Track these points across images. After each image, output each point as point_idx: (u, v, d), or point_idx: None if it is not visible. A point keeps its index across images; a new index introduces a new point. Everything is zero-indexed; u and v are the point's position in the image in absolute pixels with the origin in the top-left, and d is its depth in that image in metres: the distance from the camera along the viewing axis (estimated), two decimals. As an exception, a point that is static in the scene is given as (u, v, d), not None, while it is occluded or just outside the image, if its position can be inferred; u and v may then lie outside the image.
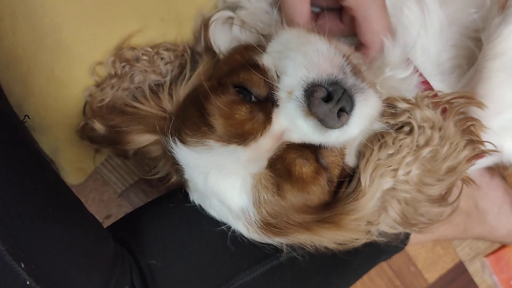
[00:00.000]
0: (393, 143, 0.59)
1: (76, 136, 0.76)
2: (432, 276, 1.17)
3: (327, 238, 0.61)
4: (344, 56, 0.55)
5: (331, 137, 0.54)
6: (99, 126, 0.68)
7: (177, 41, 0.75)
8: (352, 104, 0.52)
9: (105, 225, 0.96)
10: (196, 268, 0.57)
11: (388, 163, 0.58)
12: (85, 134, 0.71)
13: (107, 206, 0.98)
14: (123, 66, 0.70)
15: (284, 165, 0.55)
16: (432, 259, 1.17)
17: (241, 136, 0.55)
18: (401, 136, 0.59)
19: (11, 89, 0.73)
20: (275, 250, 0.61)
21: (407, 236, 0.83)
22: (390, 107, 0.61)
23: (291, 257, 0.62)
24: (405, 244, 0.85)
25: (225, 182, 0.56)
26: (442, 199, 0.62)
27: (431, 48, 0.68)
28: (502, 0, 0.63)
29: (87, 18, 0.70)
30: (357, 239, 0.62)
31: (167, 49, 0.72)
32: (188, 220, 0.62)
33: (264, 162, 0.56)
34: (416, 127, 0.59)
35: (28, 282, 0.46)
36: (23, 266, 0.45)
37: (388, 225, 0.65)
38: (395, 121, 0.60)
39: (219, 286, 0.57)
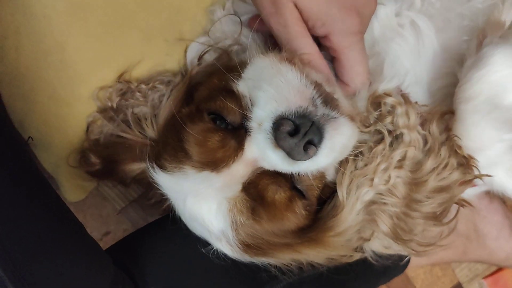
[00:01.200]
0: (368, 152, 0.59)
1: (76, 152, 0.76)
2: (430, 297, 1.17)
3: (311, 256, 0.61)
4: (316, 86, 0.55)
5: (300, 168, 0.55)
6: (95, 160, 0.70)
7: (180, 62, 0.76)
8: (320, 136, 0.52)
9: (104, 242, 0.97)
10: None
11: (363, 173, 0.58)
12: (83, 167, 0.74)
13: (106, 223, 0.98)
14: (119, 100, 0.72)
15: (257, 190, 0.56)
16: (430, 280, 1.16)
17: (213, 163, 0.56)
18: (376, 144, 0.59)
19: (13, 106, 0.73)
20: (275, 277, 0.61)
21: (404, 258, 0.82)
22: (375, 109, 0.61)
23: (291, 282, 0.62)
24: (405, 267, 0.84)
25: (202, 206, 0.58)
26: (436, 218, 0.62)
27: (423, 77, 0.68)
28: (480, 37, 0.62)
29: (90, 37, 0.71)
30: (345, 255, 0.62)
31: (161, 82, 0.73)
32: (188, 244, 0.61)
33: (239, 187, 0.57)
34: (386, 133, 0.59)
35: None
36: None
37: (382, 244, 0.65)
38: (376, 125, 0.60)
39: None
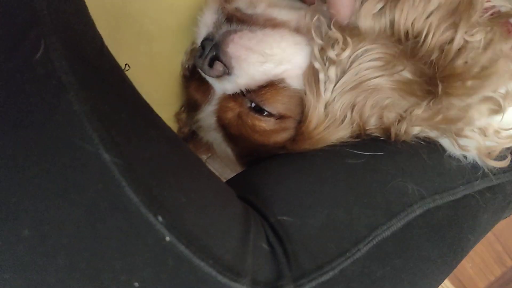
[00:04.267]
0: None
1: (170, 93, 0.72)
2: (536, 240, 1.08)
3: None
4: (225, 12, 0.59)
5: (227, 85, 0.59)
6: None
7: None
8: (218, 49, 0.57)
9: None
10: (331, 223, 0.50)
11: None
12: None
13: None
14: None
15: (220, 116, 0.64)
16: (537, 222, 1.08)
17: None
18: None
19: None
20: (410, 205, 0.54)
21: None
22: None
23: (428, 209, 0.55)
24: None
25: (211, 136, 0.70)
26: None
27: None
28: None
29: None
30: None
31: None
32: (313, 171, 0.55)
33: (213, 117, 0.66)
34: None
35: (168, 238, 0.38)
36: (160, 219, 0.38)
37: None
38: None
39: (356, 243, 0.50)
